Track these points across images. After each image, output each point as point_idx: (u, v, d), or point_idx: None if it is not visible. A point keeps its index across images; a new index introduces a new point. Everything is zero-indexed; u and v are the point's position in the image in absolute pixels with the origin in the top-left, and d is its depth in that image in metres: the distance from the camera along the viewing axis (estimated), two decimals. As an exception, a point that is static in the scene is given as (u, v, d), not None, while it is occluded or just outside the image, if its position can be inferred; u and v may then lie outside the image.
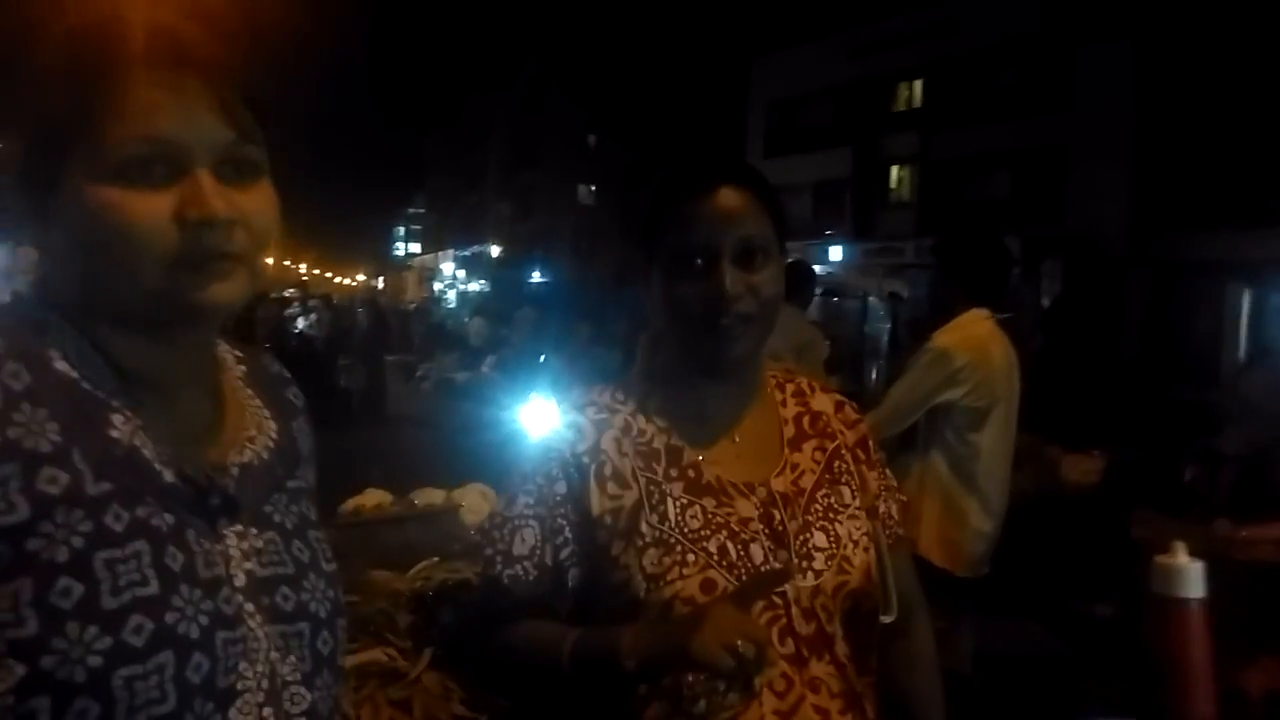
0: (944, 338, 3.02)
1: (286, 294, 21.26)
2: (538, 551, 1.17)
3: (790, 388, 1.33)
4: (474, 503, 3.00)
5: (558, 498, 1.17)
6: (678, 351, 1.23)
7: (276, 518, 0.86)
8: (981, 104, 23.66)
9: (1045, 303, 16.05)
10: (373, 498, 2.99)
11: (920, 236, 20.69)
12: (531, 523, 1.17)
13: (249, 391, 0.92)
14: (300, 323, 16.73)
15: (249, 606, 0.79)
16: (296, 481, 0.91)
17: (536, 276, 39.80)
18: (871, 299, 18.37)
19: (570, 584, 1.17)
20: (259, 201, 0.81)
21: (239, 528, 0.81)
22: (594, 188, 48.75)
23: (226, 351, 0.92)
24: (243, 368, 0.93)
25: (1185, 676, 0.97)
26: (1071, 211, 21.21)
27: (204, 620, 0.74)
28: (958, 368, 2.93)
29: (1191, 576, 0.98)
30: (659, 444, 1.20)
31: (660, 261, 1.19)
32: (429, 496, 3.03)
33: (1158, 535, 4.49)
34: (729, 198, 1.17)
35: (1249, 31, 18.05)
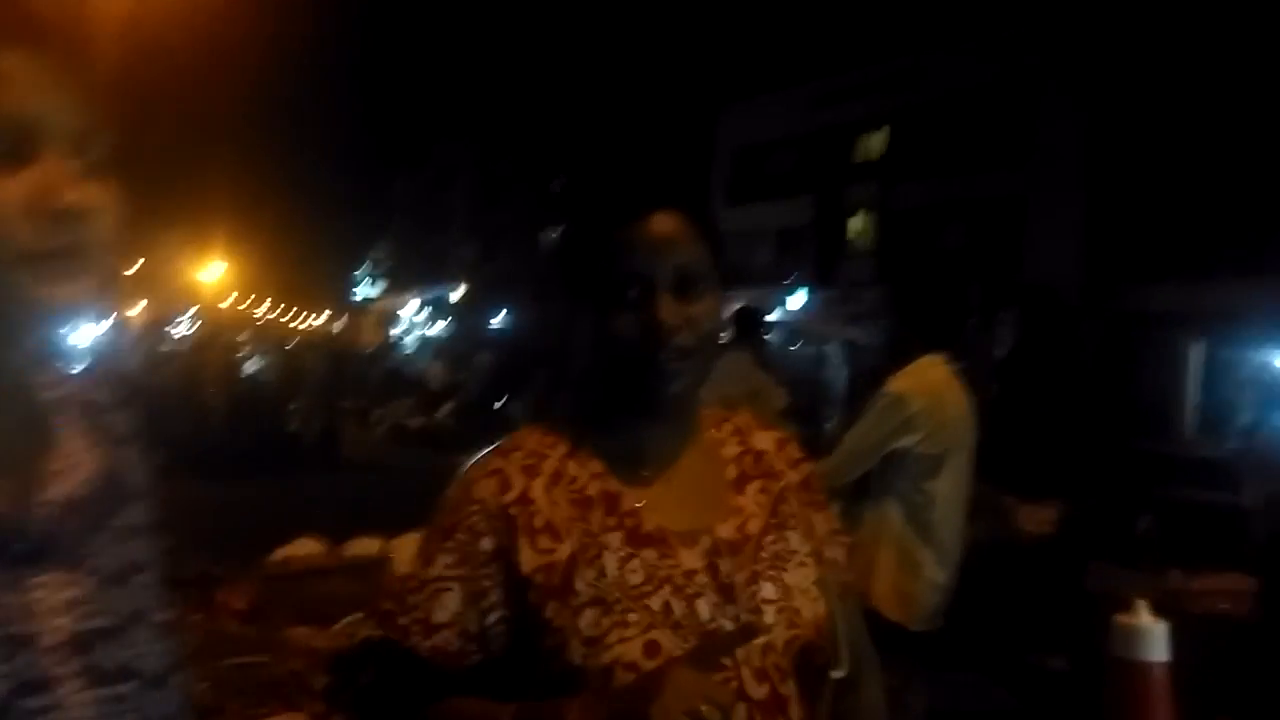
0: (898, 383, 2.96)
1: (239, 339, 21.04)
2: (461, 618, 1.05)
3: (728, 426, 1.24)
4: (410, 554, 2.87)
5: (483, 556, 1.06)
6: (610, 391, 1.14)
7: (97, 562, 0.74)
8: (941, 155, 24.07)
9: (1000, 353, 16.19)
10: (303, 547, 2.86)
11: (880, 284, 20.85)
12: (453, 585, 1.06)
13: (64, 419, 0.80)
14: (250, 366, 16.51)
15: (62, 668, 0.68)
16: (123, 519, 0.79)
17: (498, 321, 39.67)
18: (830, 346, 18.45)
19: (498, 653, 1.06)
20: (108, 197, 0.72)
21: (50, 575, 0.70)
22: (559, 232, 48.78)
23: (38, 375, 0.81)
24: (57, 393, 0.81)
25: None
26: (1027, 262, 21.54)
27: (2, 687, 0.64)
28: (912, 413, 2.87)
29: (1155, 638, 0.89)
30: (593, 490, 1.10)
31: (588, 294, 1.11)
32: (363, 547, 2.89)
33: (1111, 586, 4.46)
34: (663, 224, 1.09)
35: (1200, 87, 18.55)
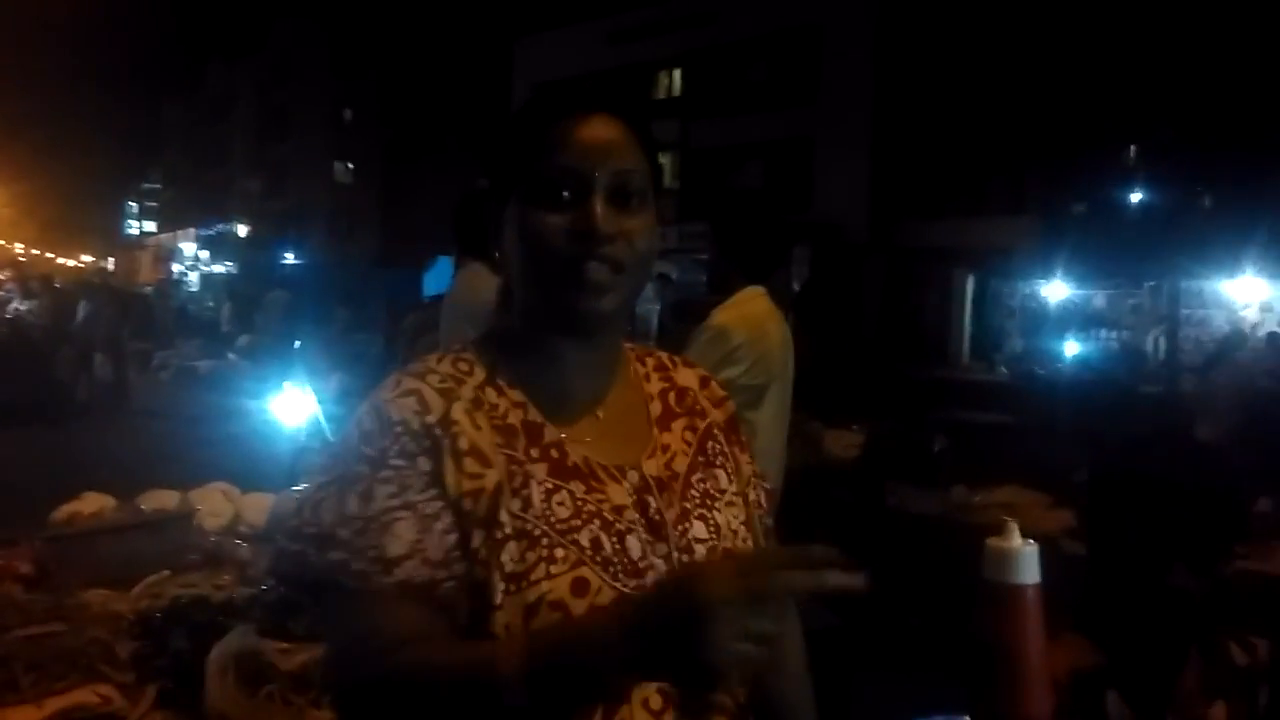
0: (722, 315, 2.97)
1: (1, 276, 19.22)
2: (420, 546, 0.92)
3: (651, 361, 1.18)
4: (215, 505, 2.68)
5: (424, 478, 0.94)
6: (533, 304, 1.04)
7: None
8: (736, 95, 24.64)
9: (796, 287, 16.92)
10: (92, 503, 2.61)
11: (682, 221, 21.27)
12: (402, 514, 0.93)
13: None
14: (16, 307, 15.09)
15: None
16: None
17: (290, 258, 37.81)
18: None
19: (463, 580, 0.93)
20: None
21: None
22: (352, 165, 46.85)
23: None
24: None
25: (1020, 668, 0.90)
26: (817, 200, 22.48)
27: None
28: (735, 345, 2.89)
29: (1025, 560, 0.90)
30: (515, 420, 1.01)
31: (519, 193, 1.01)
32: (160, 500, 2.67)
33: (905, 503, 4.76)
34: (607, 127, 1.01)
35: (976, 41, 19.75)
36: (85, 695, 1.44)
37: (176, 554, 2.28)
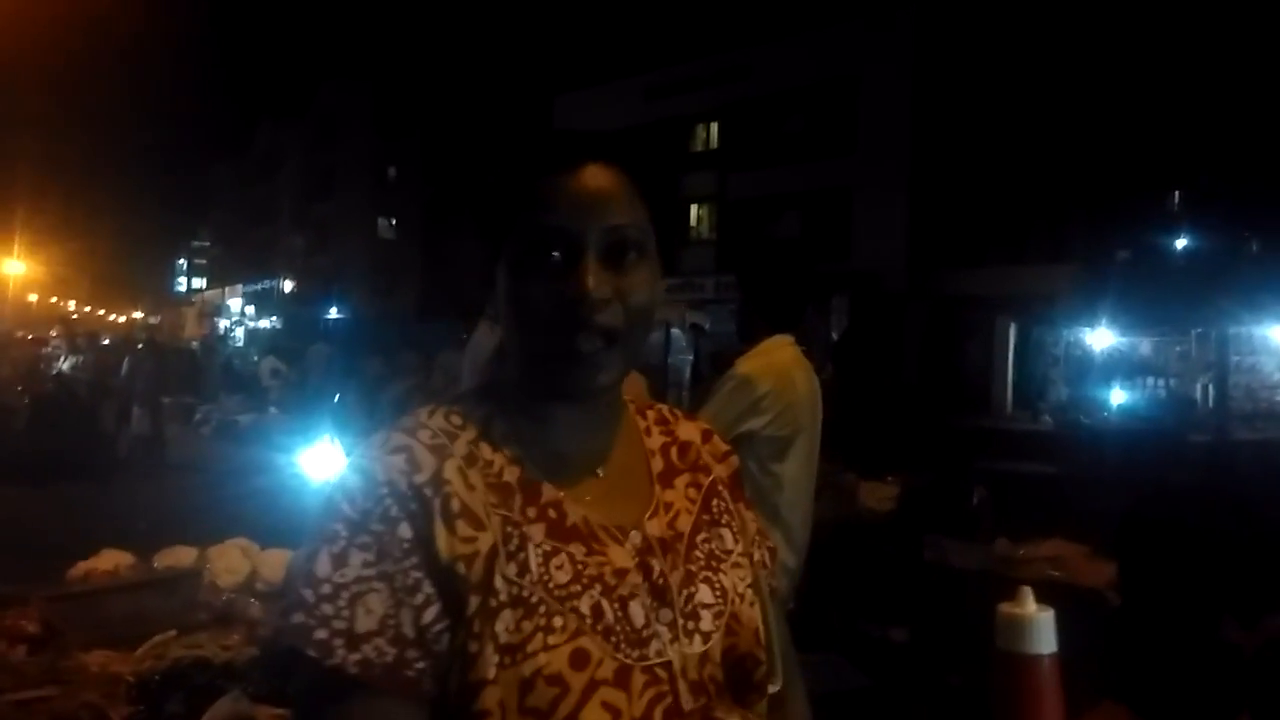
0: (746, 365, 2.90)
1: (52, 333, 19.66)
2: (391, 622, 0.85)
3: (652, 414, 1.11)
4: (231, 563, 2.64)
5: (405, 544, 0.87)
6: (524, 369, 0.97)
7: None
8: (773, 147, 24.82)
9: (835, 336, 16.82)
10: (108, 560, 2.58)
11: (720, 272, 21.31)
12: (376, 584, 0.85)
13: None
14: (64, 364, 15.40)
15: None
16: None
17: (333, 313, 38.35)
18: (675, 330, 18.65)
19: (445, 658, 0.86)
20: None
21: None
22: (394, 221, 47.68)
23: None
24: None
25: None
26: (856, 249, 22.44)
27: None
28: (760, 395, 2.82)
29: (1041, 629, 0.82)
30: (510, 477, 0.94)
31: (507, 253, 0.94)
32: (176, 557, 2.64)
33: (945, 558, 4.62)
34: (598, 177, 0.94)
35: (1015, 88, 19.73)
36: (72, 763, 1.39)
37: (187, 613, 2.24)
